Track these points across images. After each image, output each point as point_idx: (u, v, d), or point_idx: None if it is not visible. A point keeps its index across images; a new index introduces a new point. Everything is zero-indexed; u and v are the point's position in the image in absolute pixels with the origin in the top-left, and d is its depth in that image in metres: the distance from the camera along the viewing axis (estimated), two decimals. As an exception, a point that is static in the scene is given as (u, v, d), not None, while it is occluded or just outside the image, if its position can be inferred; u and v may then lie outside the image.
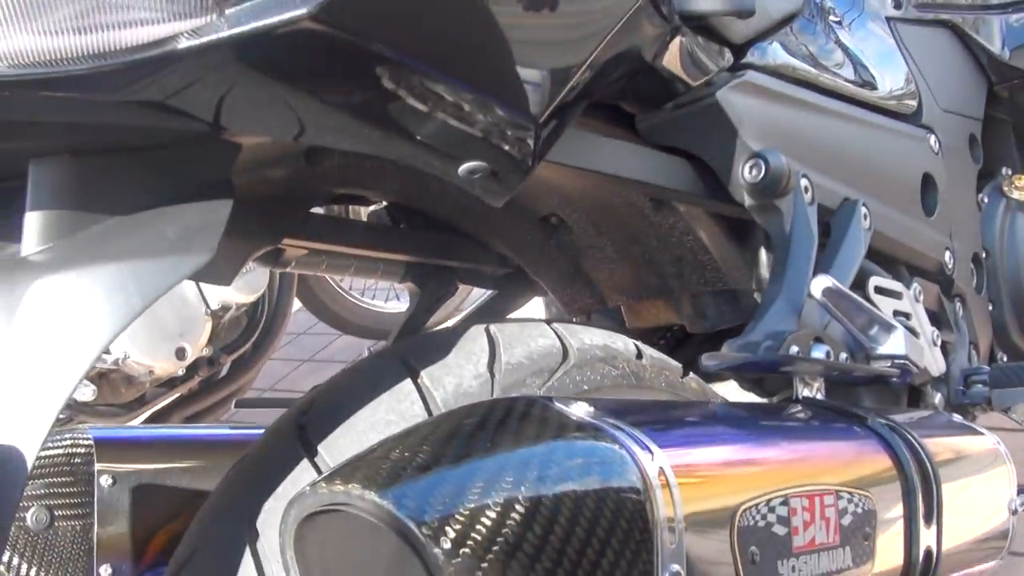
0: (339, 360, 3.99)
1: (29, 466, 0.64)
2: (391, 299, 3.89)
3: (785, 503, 0.65)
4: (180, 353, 2.55)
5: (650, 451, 0.58)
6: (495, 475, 0.52)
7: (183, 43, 0.61)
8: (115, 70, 0.62)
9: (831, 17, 1.42)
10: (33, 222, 0.68)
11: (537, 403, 0.61)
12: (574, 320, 1.53)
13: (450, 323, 1.53)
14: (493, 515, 0.50)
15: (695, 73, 1.03)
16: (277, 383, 3.93)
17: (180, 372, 2.65)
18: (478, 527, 0.49)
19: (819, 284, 0.93)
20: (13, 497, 0.63)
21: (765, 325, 0.93)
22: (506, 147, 0.76)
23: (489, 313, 1.56)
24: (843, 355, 0.95)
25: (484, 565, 0.48)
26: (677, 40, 0.99)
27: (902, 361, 0.98)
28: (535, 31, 0.76)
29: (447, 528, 0.48)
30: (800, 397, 0.90)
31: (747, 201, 1.05)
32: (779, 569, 0.64)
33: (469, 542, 0.48)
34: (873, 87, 1.37)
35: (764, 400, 1.19)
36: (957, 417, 1.10)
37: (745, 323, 1.31)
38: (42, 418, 0.65)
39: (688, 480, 0.59)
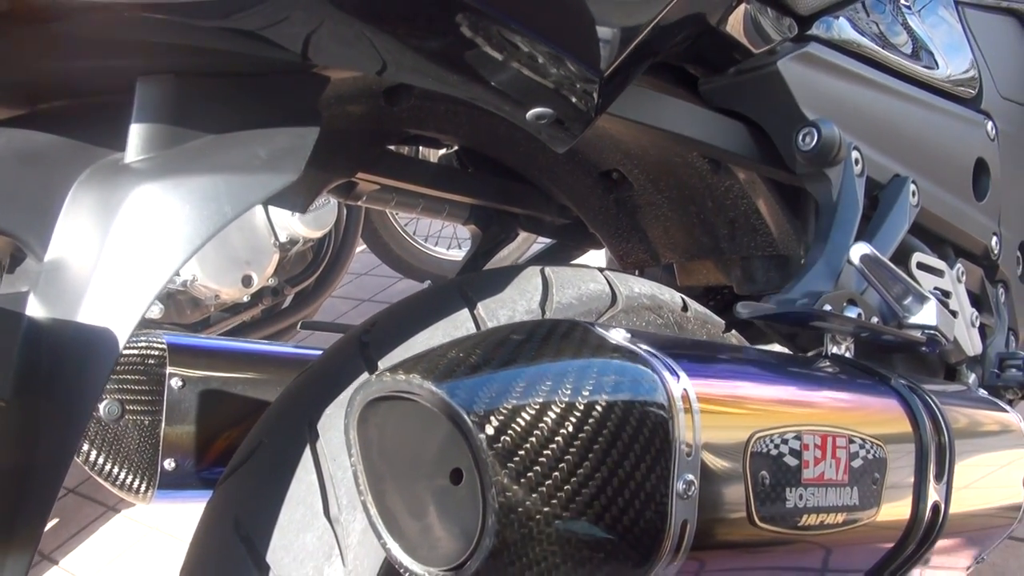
0: (397, 302, 4.07)
1: (120, 349, 0.70)
2: (453, 247, 3.97)
3: (798, 437, 0.71)
4: (246, 281, 2.65)
5: (676, 375, 0.64)
6: (536, 381, 0.59)
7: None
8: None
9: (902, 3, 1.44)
10: (137, 133, 0.74)
11: (579, 325, 0.67)
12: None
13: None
14: (532, 412, 0.57)
15: (758, 41, 1.08)
16: (336, 319, 4.03)
17: (245, 299, 2.76)
18: (518, 420, 0.56)
19: (857, 251, 0.98)
20: (100, 378, 0.70)
21: (803, 285, 0.98)
22: (572, 97, 0.82)
23: (547, 261, 1.62)
24: (874, 319, 1.00)
25: (521, 452, 0.55)
26: (743, 7, 1.04)
27: (932, 331, 1.03)
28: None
29: (492, 418, 0.55)
30: (829, 353, 0.96)
31: (799, 168, 1.10)
32: (787, 495, 0.70)
33: (509, 432, 0.55)
34: (935, 69, 1.40)
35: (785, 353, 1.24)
36: (984, 392, 1.14)
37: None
38: (134, 308, 0.71)
39: (708, 404, 0.66)
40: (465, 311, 0.99)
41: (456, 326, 0.98)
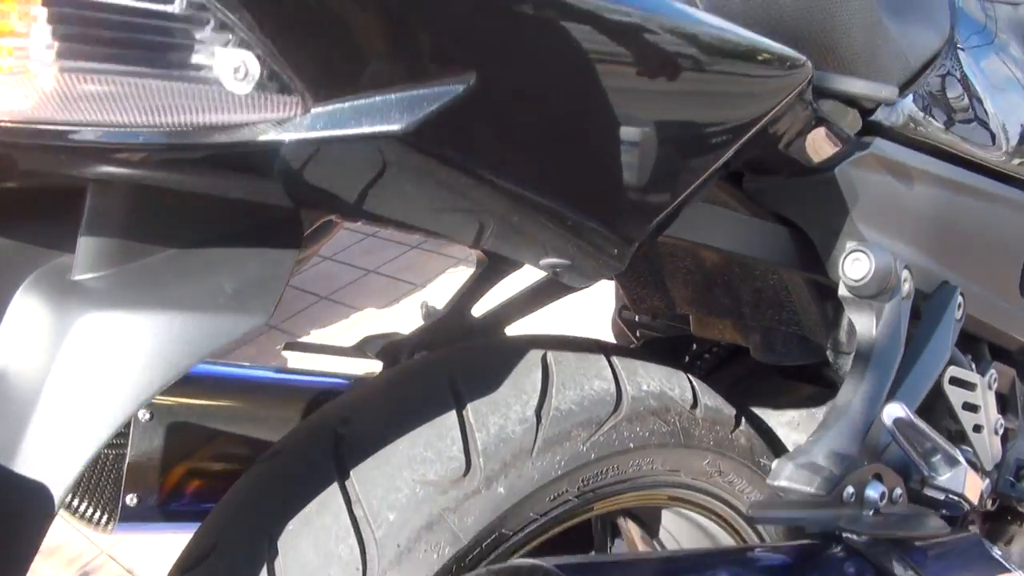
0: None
1: (56, 503, 0.63)
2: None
3: None
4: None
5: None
6: None
7: (263, 134, 0.57)
8: (190, 144, 0.58)
9: (957, 46, 1.26)
10: (87, 246, 0.66)
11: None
12: (635, 337, 1.50)
13: (512, 278, 1.49)
14: None
15: (824, 149, 0.96)
16: (341, 251, 3.94)
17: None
18: None
19: (890, 413, 0.88)
20: (40, 530, 0.63)
21: (828, 441, 0.88)
22: (600, 258, 0.72)
23: (553, 290, 1.51)
24: (898, 490, 0.91)
25: None
26: (811, 119, 0.91)
27: (956, 498, 0.94)
28: (650, 152, 0.70)
29: None
30: (843, 536, 0.87)
31: (841, 291, 0.99)
32: None
33: None
34: (994, 144, 1.24)
35: (789, 543, 1.12)
36: (997, 552, 1.05)
37: (811, 364, 1.26)
38: (74, 460, 0.64)
39: None
40: (453, 415, 0.92)
41: (441, 435, 0.91)
